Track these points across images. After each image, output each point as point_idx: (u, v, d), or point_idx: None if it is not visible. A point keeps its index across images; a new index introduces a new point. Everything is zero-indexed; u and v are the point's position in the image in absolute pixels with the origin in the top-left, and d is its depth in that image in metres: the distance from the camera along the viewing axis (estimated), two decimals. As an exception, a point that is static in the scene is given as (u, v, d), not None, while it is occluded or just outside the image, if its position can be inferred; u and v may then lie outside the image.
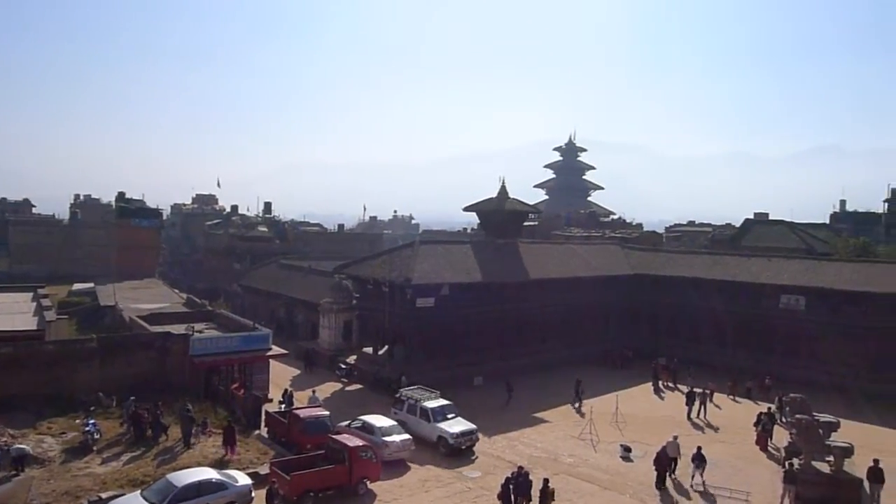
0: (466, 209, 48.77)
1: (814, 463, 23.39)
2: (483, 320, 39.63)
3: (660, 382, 39.67)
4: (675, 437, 26.52)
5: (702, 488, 24.12)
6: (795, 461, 24.01)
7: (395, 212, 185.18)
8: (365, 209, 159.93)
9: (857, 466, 23.75)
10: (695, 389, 34.33)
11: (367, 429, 26.42)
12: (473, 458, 26.79)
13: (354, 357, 41.51)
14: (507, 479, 21.64)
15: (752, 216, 72.88)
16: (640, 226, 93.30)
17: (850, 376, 37.56)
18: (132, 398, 26.68)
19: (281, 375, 39.02)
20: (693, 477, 24.47)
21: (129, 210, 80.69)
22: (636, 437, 29.39)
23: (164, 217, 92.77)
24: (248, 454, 25.14)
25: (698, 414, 33.43)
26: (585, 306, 45.05)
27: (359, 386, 38.69)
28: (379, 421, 27.08)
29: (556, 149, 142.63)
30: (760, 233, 63.80)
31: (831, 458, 23.25)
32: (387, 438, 25.81)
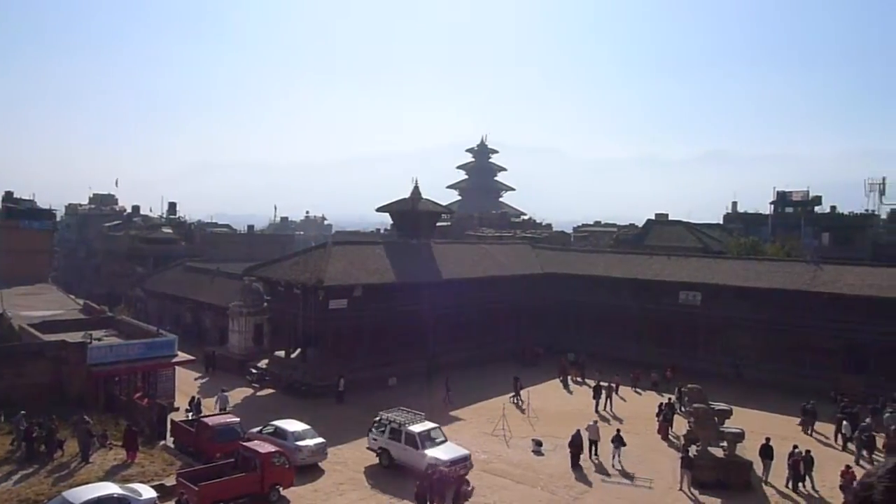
0: (379, 209, 48.69)
1: (709, 449, 24.95)
2: (397, 321, 39.68)
3: (568, 377, 41.03)
4: (595, 422, 28.69)
5: (619, 468, 26.06)
6: (693, 448, 25.51)
7: (308, 212, 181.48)
8: (276, 210, 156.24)
9: (748, 450, 25.54)
10: (601, 383, 35.78)
11: (280, 434, 25.90)
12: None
13: (266, 361, 40.58)
14: (423, 479, 21.82)
15: (653, 217, 76.42)
16: (549, 226, 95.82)
17: (742, 366, 40.23)
18: (22, 412, 25.01)
19: (188, 383, 37.67)
20: (613, 457, 26.39)
21: (18, 211, 75.43)
22: (547, 432, 30.27)
23: (58, 218, 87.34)
24: (154, 466, 24.10)
25: (605, 407, 34.80)
26: (497, 305, 45.91)
27: (271, 391, 37.87)
28: (292, 425, 26.58)
29: (468, 150, 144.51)
30: (661, 232, 67.02)
31: (725, 444, 24.90)
32: (300, 443, 25.40)
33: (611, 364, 40.87)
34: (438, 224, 58.03)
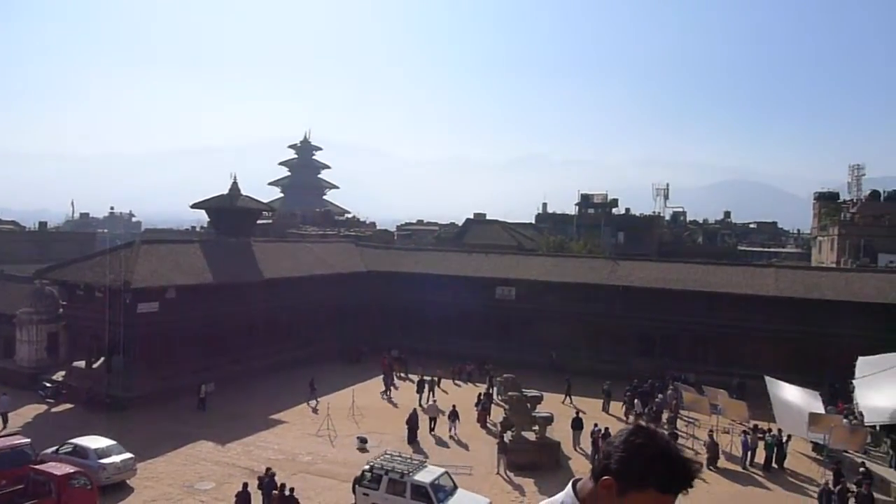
0: (195, 206, 46.12)
1: (523, 433, 26.76)
2: (215, 323, 37.82)
3: (393, 374, 41.70)
4: (433, 401, 32.48)
5: (456, 439, 29.25)
6: (508, 433, 27.20)
7: (112, 209, 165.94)
8: (74, 205, 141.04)
9: (559, 432, 27.81)
10: (424, 377, 36.88)
11: (80, 452, 23.55)
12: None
13: (63, 373, 36.67)
14: (245, 485, 21.17)
15: (472, 216, 79.99)
16: (373, 224, 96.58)
17: (551, 355, 43.49)
18: None
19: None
20: (451, 430, 30.02)
21: None
22: (372, 428, 30.59)
23: None
24: (-82, 502, 20.84)
25: (428, 400, 35.82)
26: (321, 304, 45.42)
27: (69, 406, 34.28)
28: (94, 442, 24.27)
29: (291, 146, 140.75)
30: (479, 231, 70.48)
31: (537, 427, 26.86)
32: (104, 461, 23.29)
33: (434, 358, 42.16)
34: (259, 222, 56.19)
